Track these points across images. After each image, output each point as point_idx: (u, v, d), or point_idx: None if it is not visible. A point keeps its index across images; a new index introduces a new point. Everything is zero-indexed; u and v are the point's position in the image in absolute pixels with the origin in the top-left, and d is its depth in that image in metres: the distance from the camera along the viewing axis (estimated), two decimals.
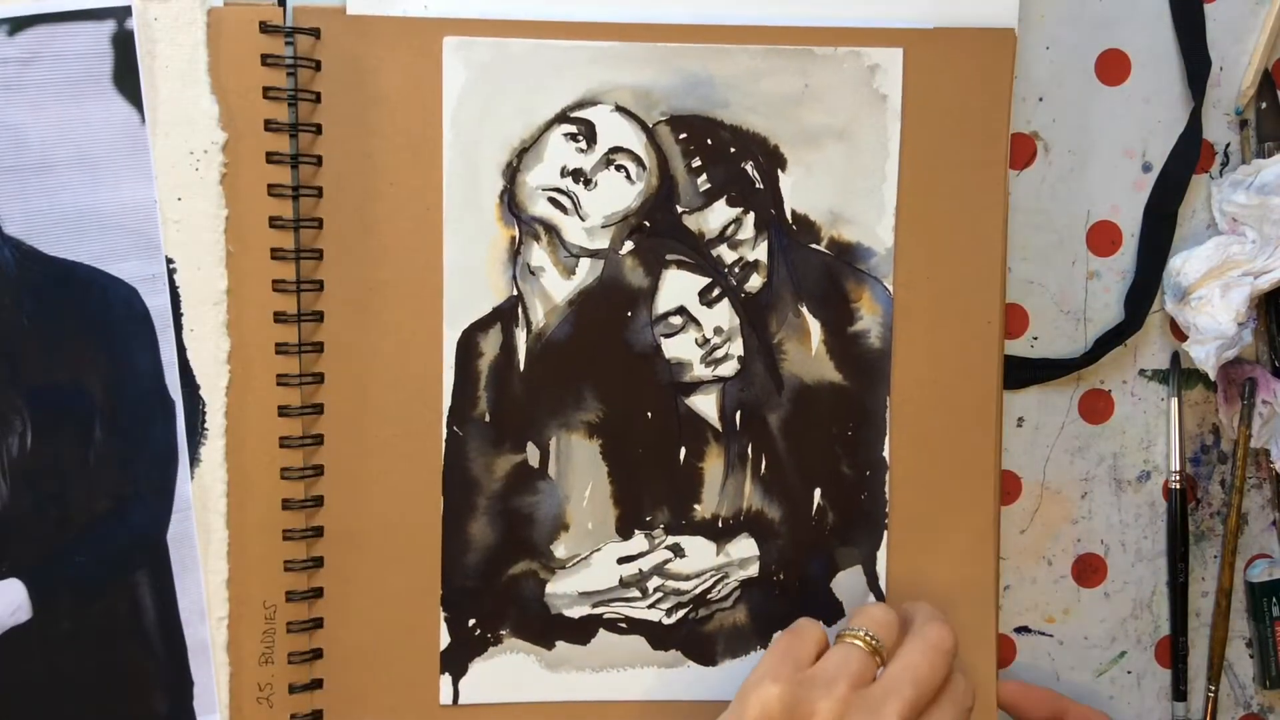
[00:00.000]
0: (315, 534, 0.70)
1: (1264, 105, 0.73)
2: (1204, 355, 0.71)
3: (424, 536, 0.71)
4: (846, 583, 0.72)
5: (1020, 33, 0.70)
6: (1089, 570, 0.76)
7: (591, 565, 0.72)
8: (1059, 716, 0.73)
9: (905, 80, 0.70)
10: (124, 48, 0.67)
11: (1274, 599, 0.75)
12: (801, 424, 0.72)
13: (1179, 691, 0.76)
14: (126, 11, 0.66)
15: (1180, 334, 0.74)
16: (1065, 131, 0.73)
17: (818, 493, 0.72)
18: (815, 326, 0.71)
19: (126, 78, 0.67)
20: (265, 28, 0.67)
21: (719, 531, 0.72)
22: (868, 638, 0.63)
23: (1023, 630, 0.76)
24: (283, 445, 0.69)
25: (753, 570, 0.72)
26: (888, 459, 0.72)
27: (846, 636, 0.64)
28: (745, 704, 0.62)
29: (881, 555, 0.72)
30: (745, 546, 0.72)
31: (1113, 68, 0.73)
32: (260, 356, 0.69)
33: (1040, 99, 0.73)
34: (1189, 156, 0.73)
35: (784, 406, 0.71)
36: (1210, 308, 0.71)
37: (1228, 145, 0.74)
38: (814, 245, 0.71)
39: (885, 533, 0.72)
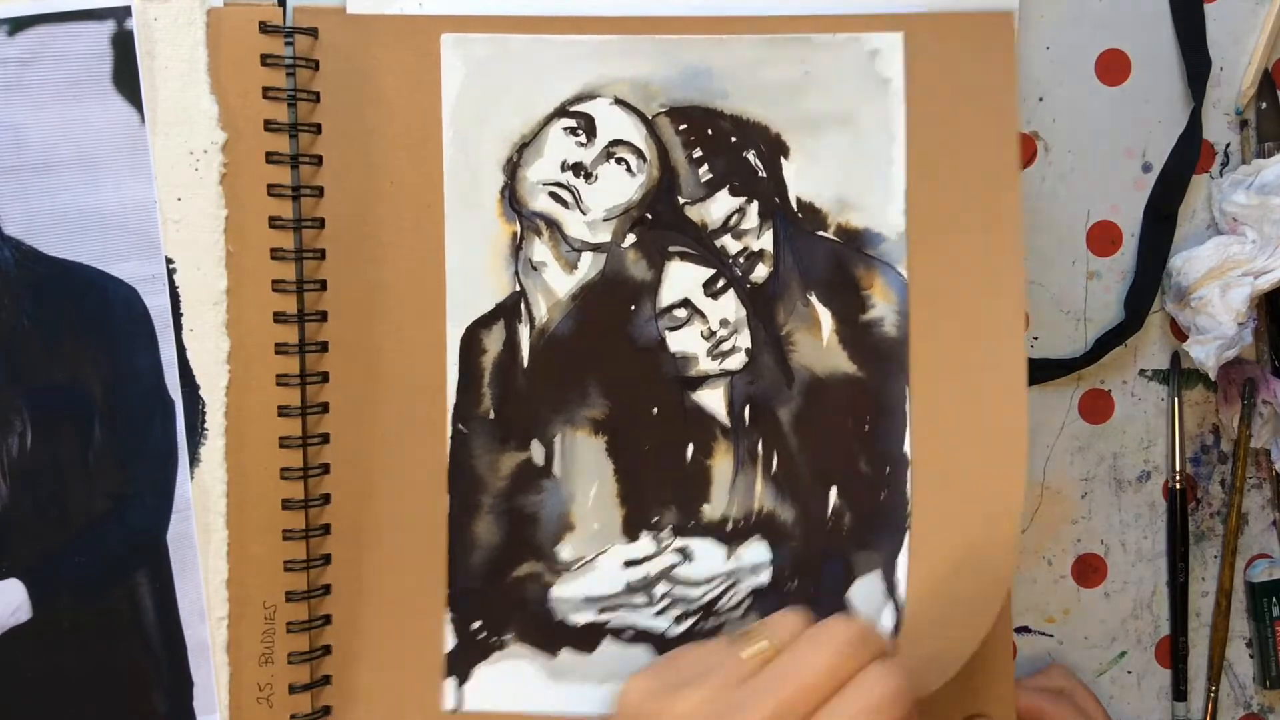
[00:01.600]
0: (323, 532, 0.70)
1: (1264, 105, 0.73)
2: (1204, 355, 0.71)
3: (430, 535, 0.70)
4: (864, 591, 0.70)
5: (1020, 32, 0.70)
6: (1089, 570, 0.76)
7: (597, 569, 0.71)
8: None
9: (907, 64, 0.69)
10: (124, 48, 0.66)
11: (1274, 599, 0.75)
12: (814, 419, 0.70)
13: (1179, 691, 0.76)
14: (126, 12, 0.66)
15: (1180, 334, 0.74)
16: (1065, 131, 0.73)
17: (833, 492, 0.70)
18: (826, 316, 0.70)
19: (126, 78, 0.67)
20: (265, 28, 0.67)
21: (729, 534, 0.71)
22: (755, 640, 0.58)
23: (1023, 630, 0.76)
24: (283, 445, 0.69)
25: (764, 578, 0.71)
26: (909, 455, 0.70)
27: (737, 638, 0.60)
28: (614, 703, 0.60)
29: (902, 560, 0.70)
30: (757, 551, 0.71)
31: (1113, 68, 0.73)
32: (260, 356, 0.68)
33: (1040, 99, 0.73)
34: (1189, 156, 0.73)
35: (795, 400, 0.70)
36: (1210, 308, 0.71)
37: (1228, 145, 0.74)
38: (821, 233, 0.70)
39: (907, 535, 0.70)
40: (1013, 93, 0.69)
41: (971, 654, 0.68)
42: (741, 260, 0.70)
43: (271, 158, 0.68)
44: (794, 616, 0.60)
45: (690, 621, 0.71)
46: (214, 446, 0.68)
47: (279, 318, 0.68)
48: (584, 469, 0.71)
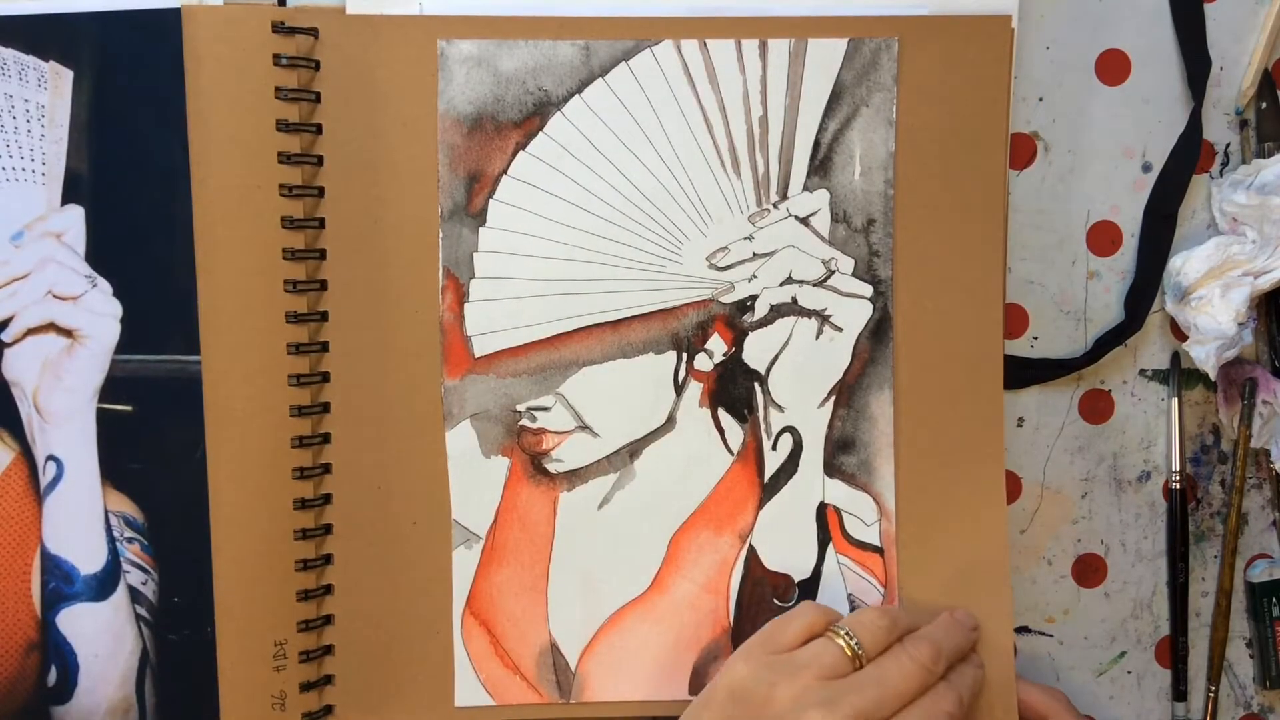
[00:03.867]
0: (324, 532, 0.70)
1: (1264, 105, 0.73)
2: (1204, 355, 0.71)
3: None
4: None
5: (1020, 32, 0.70)
6: (1089, 570, 0.76)
7: None
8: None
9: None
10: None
11: (1274, 599, 0.75)
12: None
13: (1179, 691, 0.76)
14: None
15: (1180, 334, 0.74)
16: (1065, 131, 0.73)
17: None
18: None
19: None
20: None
21: None
22: (848, 638, 0.64)
23: (1023, 630, 0.76)
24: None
25: None
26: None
27: (829, 633, 0.65)
28: (717, 681, 0.64)
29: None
30: None
31: (1113, 68, 0.73)
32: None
33: (1040, 99, 0.73)
34: (1189, 156, 0.73)
35: None
36: (1210, 308, 0.71)
37: (1228, 145, 0.74)
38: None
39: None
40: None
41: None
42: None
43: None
44: (878, 615, 0.66)
45: None
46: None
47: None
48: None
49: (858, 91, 0.70)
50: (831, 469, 0.72)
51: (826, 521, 0.72)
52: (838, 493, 0.72)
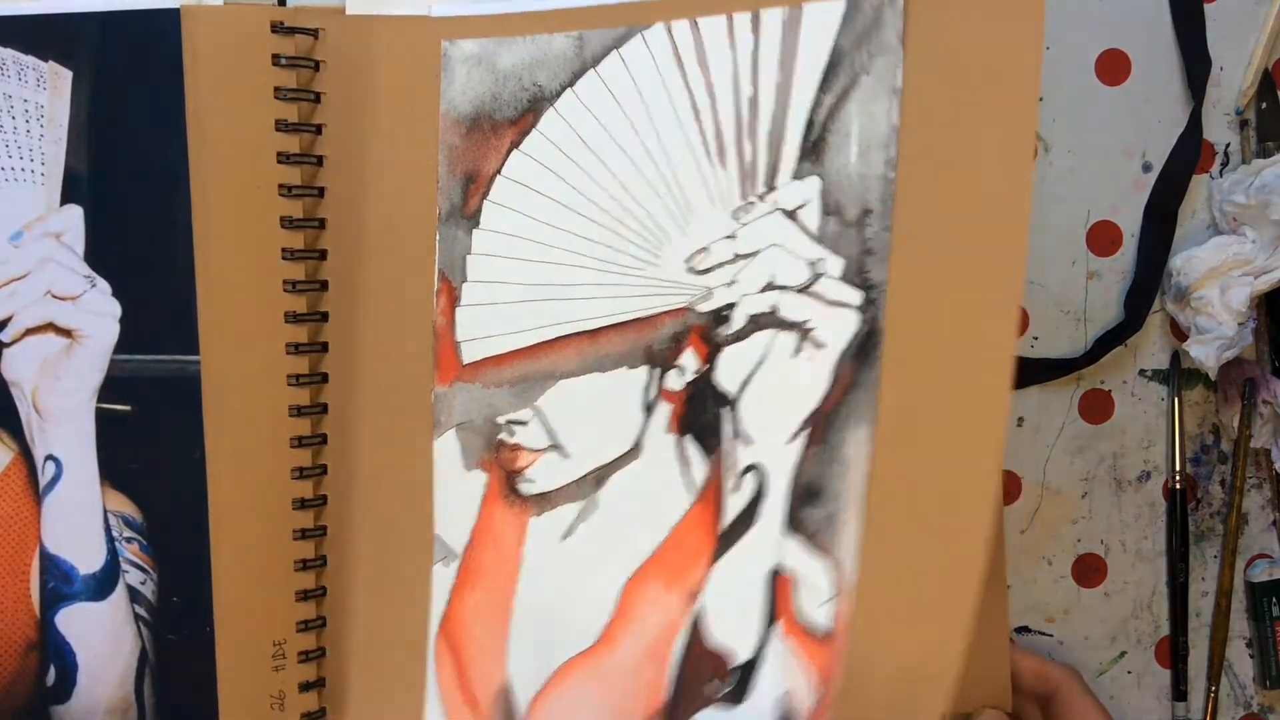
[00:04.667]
0: (320, 533, 0.71)
1: (1264, 105, 0.72)
2: (1204, 355, 0.71)
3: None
4: None
5: None
6: (1089, 570, 0.76)
7: None
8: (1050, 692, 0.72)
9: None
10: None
11: (1274, 599, 0.75)
12: None
13: (1179, 691, 0.76)
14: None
15: (1180, 334, 0.74)
16: (1065, 131, 0.73)
17: None
18: None
19: None
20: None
21: None
22: None
23: (1023, 630, 0.76)
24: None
25: None
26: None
27: None
28: None
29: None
30: None
31: (1113, 68, 0.73)
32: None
33: (1040, 99, 0.72)
34: (1189, 156, 0.73)
35: None
36: (1210, 308, 0.71)
37: (1228, 145, 0.73)
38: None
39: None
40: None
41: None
42: None
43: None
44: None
45: None
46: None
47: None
48: None
49: (857, 57, 0.62)
50: (794, 522, 0.65)
51: (776, 593, 0.65)
52: (795, 557, 0.65)
